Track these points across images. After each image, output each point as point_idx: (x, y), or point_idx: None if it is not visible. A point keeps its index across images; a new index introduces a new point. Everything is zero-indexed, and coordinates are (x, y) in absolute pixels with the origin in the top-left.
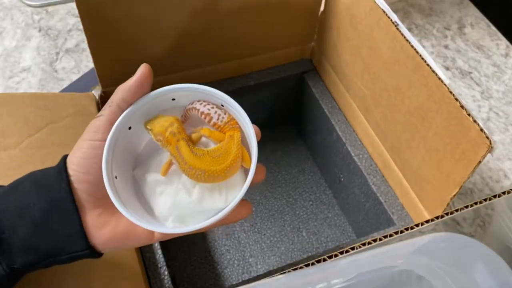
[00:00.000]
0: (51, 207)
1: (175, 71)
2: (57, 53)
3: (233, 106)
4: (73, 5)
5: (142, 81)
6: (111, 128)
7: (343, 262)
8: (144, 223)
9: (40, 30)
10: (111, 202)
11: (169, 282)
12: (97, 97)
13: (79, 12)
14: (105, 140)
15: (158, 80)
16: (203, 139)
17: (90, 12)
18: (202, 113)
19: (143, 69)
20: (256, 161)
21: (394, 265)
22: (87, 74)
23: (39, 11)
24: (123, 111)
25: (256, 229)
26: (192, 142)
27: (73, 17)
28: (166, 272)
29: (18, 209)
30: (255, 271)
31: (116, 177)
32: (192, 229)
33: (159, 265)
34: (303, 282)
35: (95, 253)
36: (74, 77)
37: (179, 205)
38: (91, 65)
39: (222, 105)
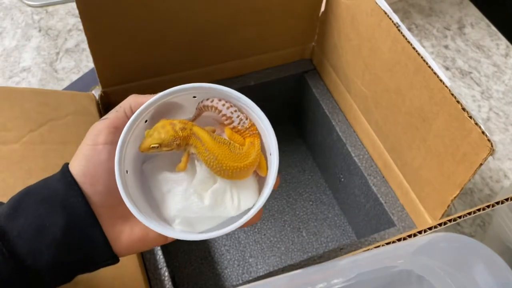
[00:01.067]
0: (71, 223)
1: (175, 71)
2: (57, 53)
3: (256, 112)
4: (73, 5)
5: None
6: (113, 132)
7: (343, 262)
8: (154, 225)
9: (40, 30)
10: (122, 210)
11: (169, 283)
12: (97, 97)
13: (79, 12)
14: (108, 143)
15: (158, 80)
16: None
17: (90, 12)
18: (224, 115)
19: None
20: (276, 171)
21: (394, 265)
22: (87, 74)
23: (39, 11)
24: (129, 119)
25: (256, 229)
26: (210, 131)
27: (73, 17)
28: (166, 273)
29: (34, 231)
30: (255, 271)
31: (127, 172)
32: (204, 237)
33: (159, 266)
34: (303, 282)
35: (116, 260)
36: (74, 77)
37: (189, 209)
38: (91, 65)
39: (245, 109)
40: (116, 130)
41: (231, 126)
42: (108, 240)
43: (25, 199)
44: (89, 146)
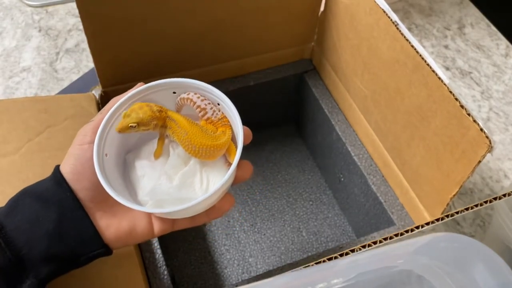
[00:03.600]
0: (62, 216)
1: (175, 71)
2: (57, 53)
3: (228, 105)
4: (73, 5)
5: None
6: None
7: (343, 262)
8: (123, 200)
9: (40, 30)
10: (110, 204)
11: (169, 282)
12: (97, 97)
13: (79, 12)
14: (92, 143)
15: (158, 80)
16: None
17: (90, 12)
18: (198, 106)
19: (139, 86)
20: (239, 154)
21: (394, 265)
22: (87, 74)
23: (39, 11)
24: None
25: (256, 229)
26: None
27: (73, 17)
28: (165, 272)
29: (29, 224)
30: (255, 271)
31: (106, 155)
32: (169, 210)
33: (159, 265)
34: (303, 282)
35: (109, 251)
36: (74, 77)
37: (159, 190)
38: (91, 65)
39: (219, 104)
40: None
41: (205, 117)
42: (98, 231)
43: (21, 198)
44: (77, 146)
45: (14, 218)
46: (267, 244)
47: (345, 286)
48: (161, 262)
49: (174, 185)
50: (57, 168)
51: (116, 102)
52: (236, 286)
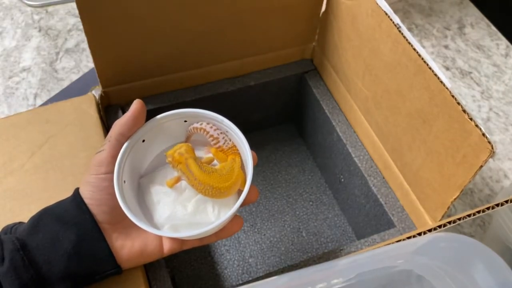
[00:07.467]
0: (80, 237)
1: (175, 71)
2: (57, 53)
3: (237, 134)
4: (73, 5)
5: (136, 115)
6: (111, 161)
7: (343, 262)
8: (144, 225)
9: (40, 30)
10: (124, 226)
11: (169, 283)
12: (97, 98)
13: (79, 12)
14: (109, 173)
15: (158, 80)
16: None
17: (90, 12)
18: (211, 135)
19: (136, 105)
20: (250, 183)
21: (394, 265)
22: (87, 74)
23: (39, 11)
24: (122, 144)
25: (256, 229)
26: (201, 163)
27: (73, 17)
28: (166, 273)
29: (49, 244)
30: (255, 272)
31: (124, 182)
32: (184, 235)
33: (159, 266)
34: (303, 282)
35: (120, 271)
36: (74, 77)
37: (175, 216)
38: (91, 65)
39: (227, 131)
40: (113, 159)
41: (217, 145)
42: (112, 251)
43: (43, 217)
44: (94, 176)
45: (36, 237)
46: (267, 244)
47: (345, 286)
48: (161, 264)
49: (188, 211)
50: (77, 191)
51: (119, 126)
52: (236, 286)
